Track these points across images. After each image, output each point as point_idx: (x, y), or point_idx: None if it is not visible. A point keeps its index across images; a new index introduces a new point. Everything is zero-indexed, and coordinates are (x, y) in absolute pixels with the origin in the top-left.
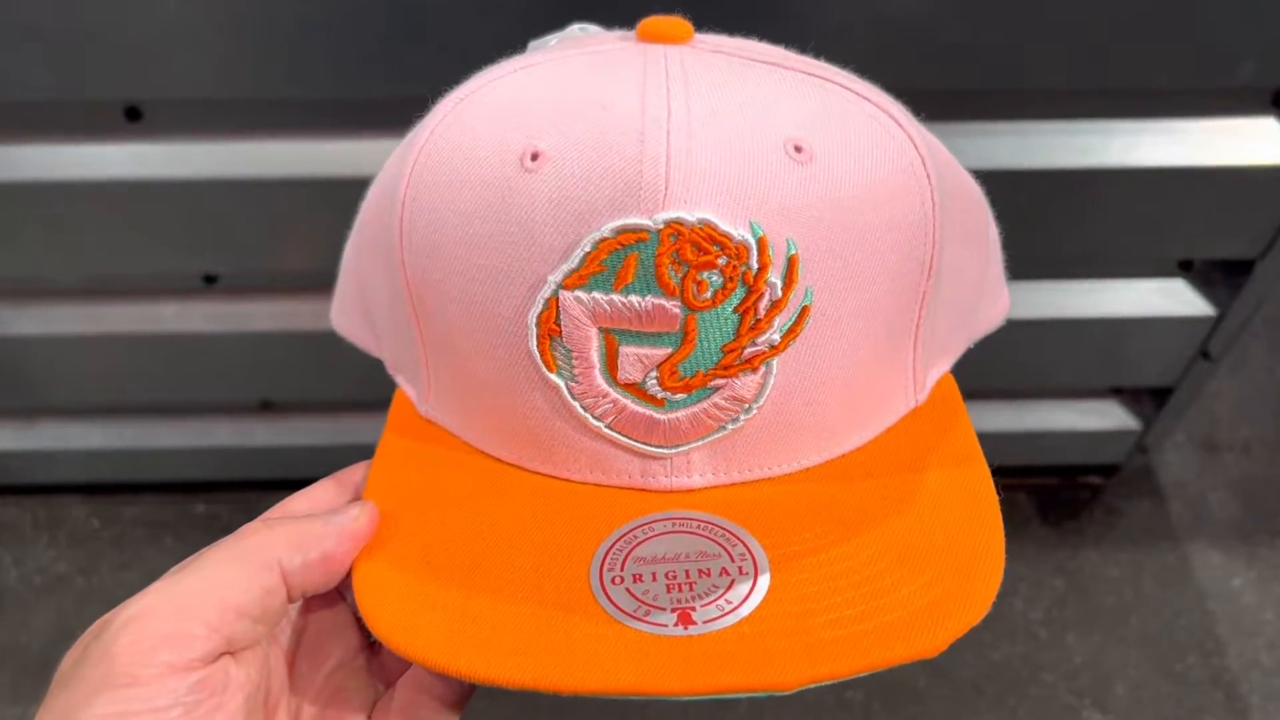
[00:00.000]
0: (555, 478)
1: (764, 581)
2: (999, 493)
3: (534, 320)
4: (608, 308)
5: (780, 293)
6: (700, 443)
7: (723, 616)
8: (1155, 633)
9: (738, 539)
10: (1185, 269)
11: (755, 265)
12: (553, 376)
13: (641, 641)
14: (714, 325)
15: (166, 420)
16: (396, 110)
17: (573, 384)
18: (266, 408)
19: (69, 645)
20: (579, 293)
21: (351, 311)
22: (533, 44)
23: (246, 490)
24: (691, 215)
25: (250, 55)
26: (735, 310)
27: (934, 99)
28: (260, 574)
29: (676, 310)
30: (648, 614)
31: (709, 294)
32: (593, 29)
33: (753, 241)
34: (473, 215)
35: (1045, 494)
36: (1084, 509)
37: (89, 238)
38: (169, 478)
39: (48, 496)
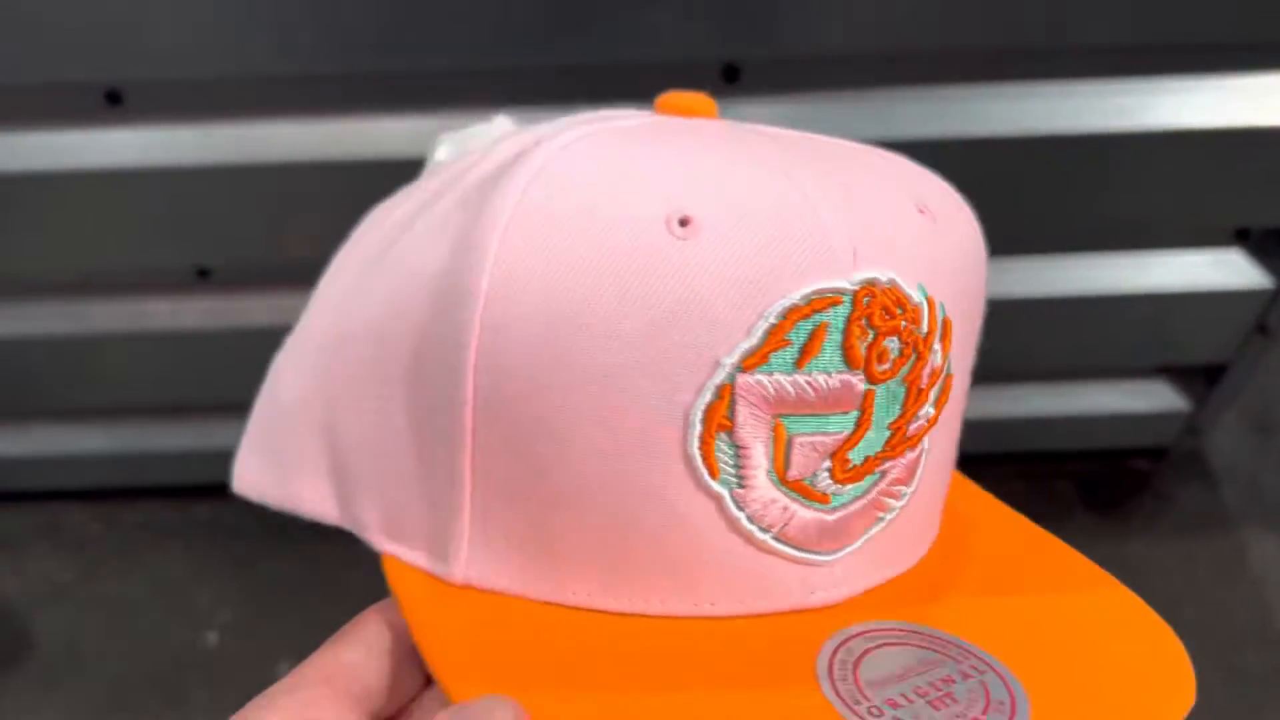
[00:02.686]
0: (695, 617)
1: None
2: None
3: (699, 416)
4: (791, 390)
5: (940, 359)
6: (861, 541)
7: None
8: (1210, 625)
9: (941, 639)
10: (1241, 238)
11: (925, 329)
12: (715, 485)
13: None
14: (885, 400)
15: (165, 421)
16: (391, 84)
17: (738, 490)
18: None
19: (74, 656)
20: (759, 374)
21: (294, 465)
22: (448, 137)
23: None
24: (883, 275)
25: (236, 29)
26: (903, 381)
27: (971, 59)
28: None
29: (860, 386)
30: None
31: (888, 364)
32: (509, 124)
33: (925, 304)
34: (620, 297)
35: (1090, 480)
36: (1131, 495)
37: (71, 232)
38: (171, 481)
39: (46, 503)
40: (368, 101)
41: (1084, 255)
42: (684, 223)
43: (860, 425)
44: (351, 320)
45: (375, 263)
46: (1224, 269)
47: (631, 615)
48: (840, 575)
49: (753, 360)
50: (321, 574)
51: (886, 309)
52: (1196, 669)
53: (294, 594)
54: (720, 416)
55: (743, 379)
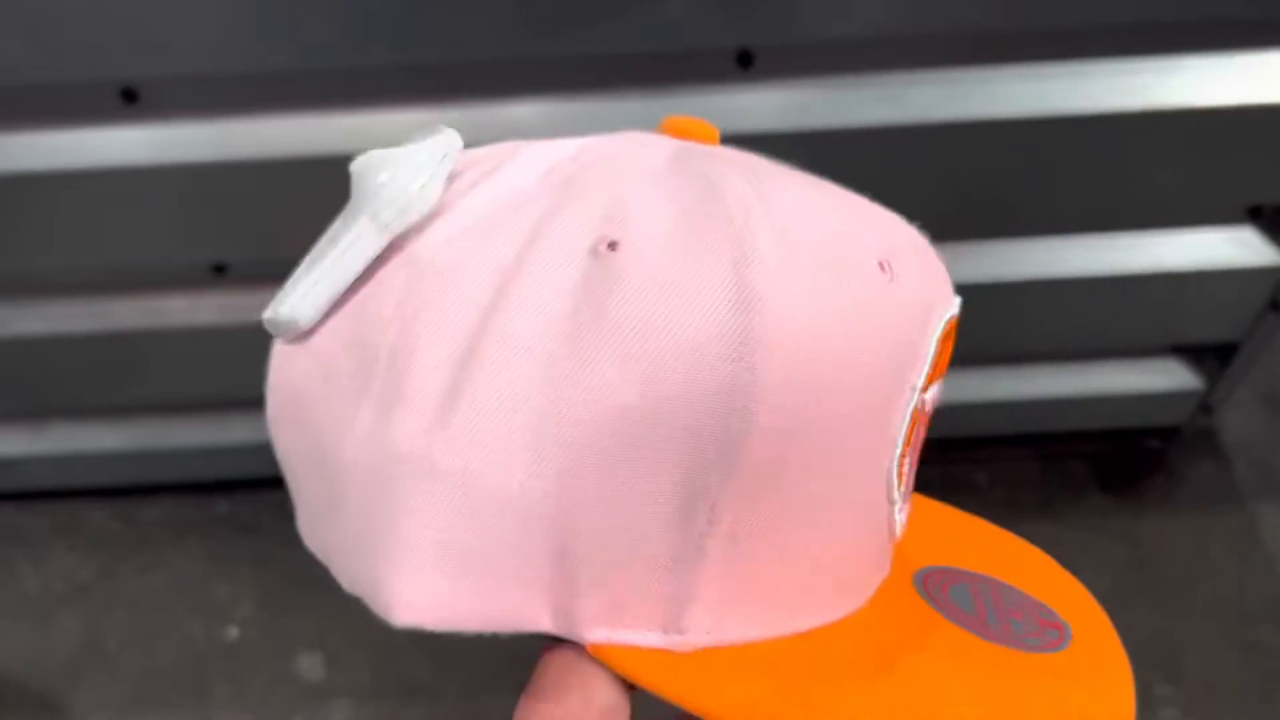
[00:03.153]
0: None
1: None
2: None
3: (901, 437)
4: (929, 401)
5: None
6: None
7: None
8: (1225, 601)
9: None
10: (1254, 216)
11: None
12: (896, 494)
13: None
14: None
15: (183, 418)
16: (407, 77)
17: (895, 494)
18: None
19: (95, 654)
20: (933, 390)
21: (508, 574)
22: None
23: (270, 488)
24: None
25: (252, 25)
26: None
27: (982, 41)
28: None
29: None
30: None
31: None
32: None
33: None
34: (864, 341)
35: (1103, 460)
36: (1144, 474)
37: (88, 230)
38: (189, 477)
39: (65, 501)
40: (382, 95)
41: (1097, 235)
42: (883, 267)
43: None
44: (581, 402)
45: (578, 331)
46: (1237, 247)
47: (833, 623)
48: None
49: (927, 381)
50: None
51: (952, 319)
52: (1214, 644)
53: (313, 587)
54: (910, 435)
55: (921, 399)
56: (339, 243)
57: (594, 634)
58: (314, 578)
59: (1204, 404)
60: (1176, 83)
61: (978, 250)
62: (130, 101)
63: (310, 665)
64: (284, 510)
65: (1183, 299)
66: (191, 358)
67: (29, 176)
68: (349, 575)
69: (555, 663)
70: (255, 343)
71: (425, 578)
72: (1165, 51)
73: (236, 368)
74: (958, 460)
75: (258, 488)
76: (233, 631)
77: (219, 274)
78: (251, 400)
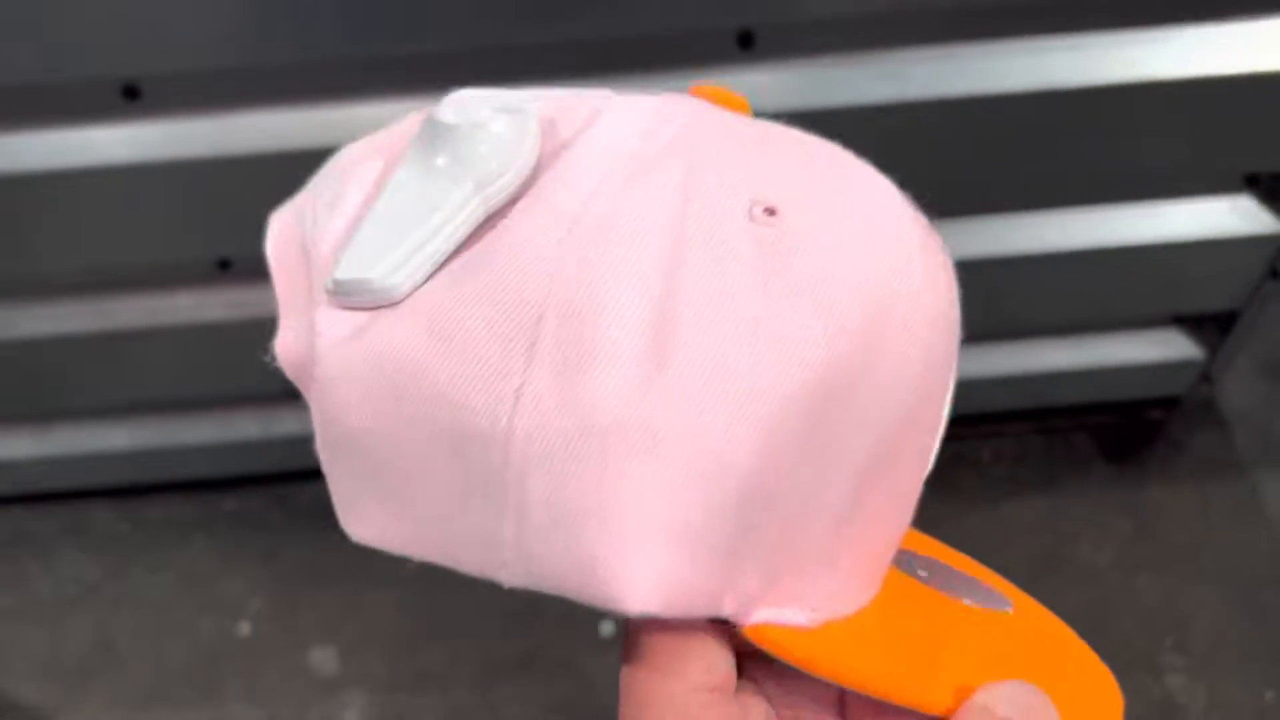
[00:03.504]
0: None
1: None
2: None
3: (943, 426)
4: None
5: None
6: None
7: None
8: (1231, 568)
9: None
10: (1252, 184)
11: None
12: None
13: None
14: None
15: (189, 415)
16: (409, 67)
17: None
18: (295, 395)
19: (106, 654)
20: None
21: (748, 548)
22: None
23: (277, 483)
24: None
25: (251, 19)
26: None
27: (983, 16)
28: None
29: None
30: None
31: None
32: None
33: None
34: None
35: (1105, 432)
36: (1147, 445)
37: (91, 228)
38: (196, 475)
39: (72, 502)
40: (385, 85)
41: (1097, 207)
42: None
43: None
44: (789, 362)
45: (778, 299)
46: (1235, 216)
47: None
48: None
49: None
50: (346, 559)
51: None
52: (1221, 611)
53: (322, 580)
54: None
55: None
56: (440, 209)
57: (753, 614)
58: (324, 572)
59: (1205, 373)
60: (1172, 53)
61: (978, 225)
62: (132, 98)
63: (323, 659)
64: (291, 505)
65: (1182, 269)
66: (197, 355)
67: (31, 176)
68: (496, 563)
69: (669, 633)
70: (262, 338)
71: (659, 557)
72: (1161, 22)
73: (243, 364)
74: (960, 436)
75: (264, 483)
76: (244, 628)
77: (224, 270)
78: (260, 394)
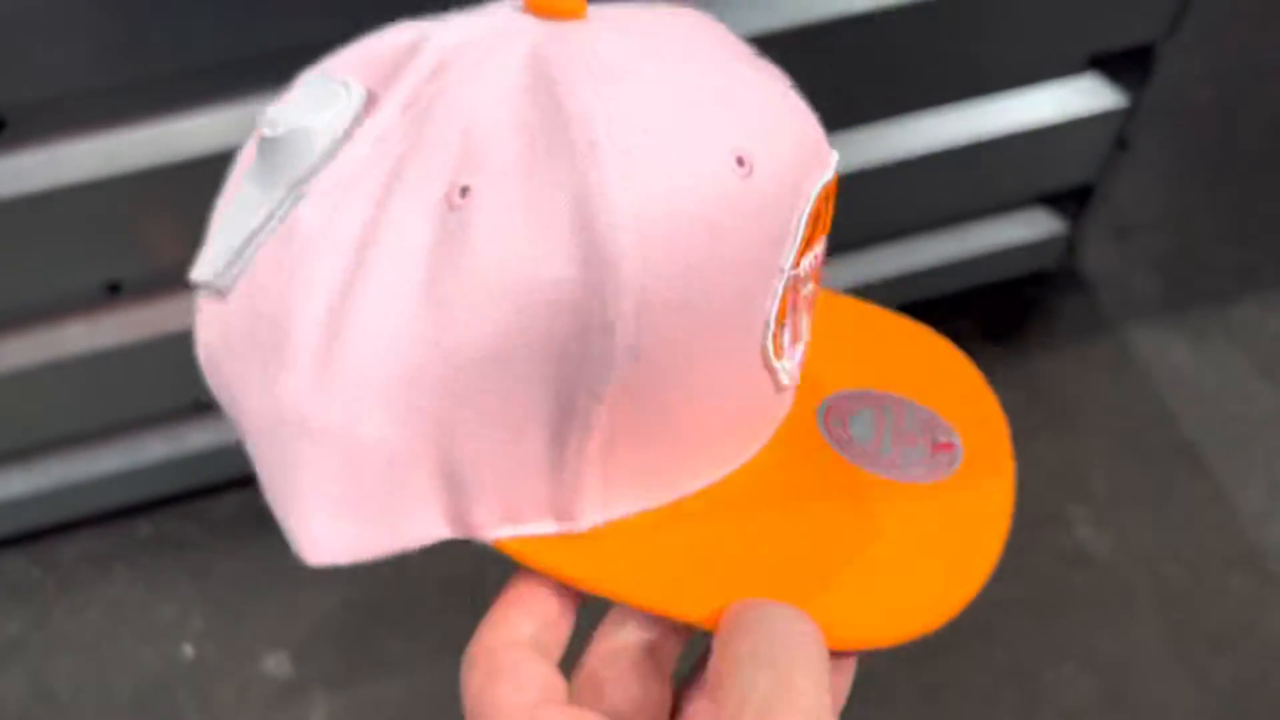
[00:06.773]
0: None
1: None
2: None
3: (773, 316)
4: (807, 266)
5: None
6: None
7: None
8: (1115, 419)
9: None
10: (1096, 65)
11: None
12: (775, 362)
13: None
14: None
15: (93, 446)
16: (297, 63)
17: (774, 361)
18: (200, 407)
19: (48, 705)
20: (811, 255)
21: (400, 507)
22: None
23: (191, 500)
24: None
25: (121, 32)
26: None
27: None
28: None
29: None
30: None
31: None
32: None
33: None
34: (722, 238)
35: (986, 313)
36: (1025, 320)
37: None
38: (107, 506)
39: None
40: (270, 81)
41: (955, 106)
42: (741, 161)
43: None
44: (447, 349)
45: (435, 282)
46: (1084, 95)
47: (721, 481)
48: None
49: (798, 256)
50: (278, 563)
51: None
52: (1113, 460)
53: (258, 587)
54: (784, 306)
55: (793, 274)
56: (258, 213)
57: (497, 531)
58: (258, 579)
59: (1070, 244)
60: None
61: (847, 139)
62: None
63: (277, 664)
64: (209, 521)
65: (1042, 151)
66: (95, 384)
67: None
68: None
69: (500, 650)
70: (160, 356)
71: (326, 525)
72: None
73: (146, 384)
74: None
75: (178, 503)
76: (188, 650)
77: (114, 293)
78: (164, 412)
